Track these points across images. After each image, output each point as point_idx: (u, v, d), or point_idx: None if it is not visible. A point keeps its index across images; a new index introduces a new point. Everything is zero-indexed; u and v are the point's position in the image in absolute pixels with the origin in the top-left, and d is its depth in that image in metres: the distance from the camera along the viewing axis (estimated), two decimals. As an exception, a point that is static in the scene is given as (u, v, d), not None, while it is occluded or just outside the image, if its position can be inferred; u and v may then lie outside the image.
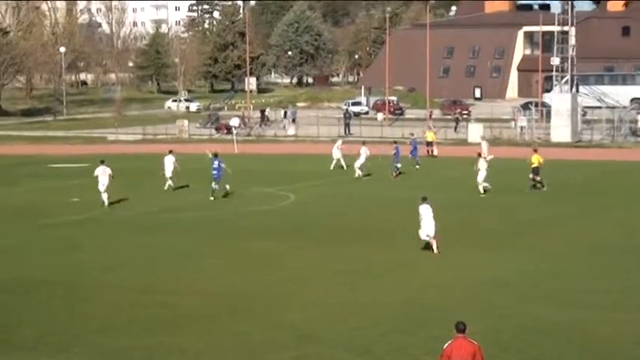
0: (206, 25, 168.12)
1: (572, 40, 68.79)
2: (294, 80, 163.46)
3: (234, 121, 75.30)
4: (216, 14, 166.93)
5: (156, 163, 47.89)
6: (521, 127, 70.74)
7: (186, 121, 79.03)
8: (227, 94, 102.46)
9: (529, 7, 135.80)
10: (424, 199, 28.08)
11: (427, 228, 27.66)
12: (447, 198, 39.48)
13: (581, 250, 28.66)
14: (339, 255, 28.07)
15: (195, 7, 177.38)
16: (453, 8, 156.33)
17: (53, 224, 34.22)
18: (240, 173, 48.76)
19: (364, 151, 47.04)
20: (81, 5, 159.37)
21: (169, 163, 42.67)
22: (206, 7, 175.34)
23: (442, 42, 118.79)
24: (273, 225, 33.75)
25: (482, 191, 40.63)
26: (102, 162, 38.99)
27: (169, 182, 42.69)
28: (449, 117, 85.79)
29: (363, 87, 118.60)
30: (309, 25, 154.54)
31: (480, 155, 41.66)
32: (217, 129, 78.17)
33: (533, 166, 41.76)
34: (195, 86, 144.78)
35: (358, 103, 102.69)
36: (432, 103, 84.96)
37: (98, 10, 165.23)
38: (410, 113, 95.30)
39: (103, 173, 38.41)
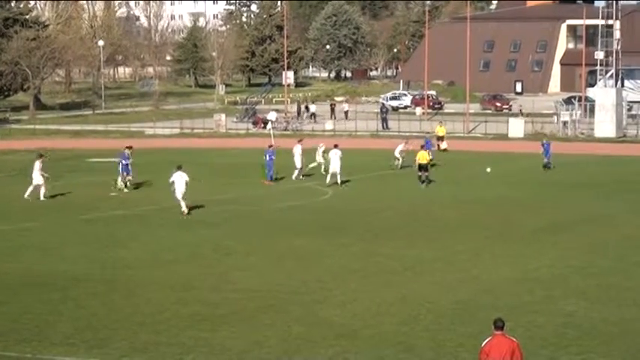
0: (244, 19, 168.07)
1: (617, 34, 67.72)
2: (332, 74, 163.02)
3: (272, 115, 75.00)
4: (253, 7, 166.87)
5: (192, 157, 47.55)
6: (564, 122, 69.68)
7: (223, 116, 78.97)
8: (264, 88, 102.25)
9: (572, 1, 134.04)
10: (179, 168, 34.12)
11: (179, 192, 33.70)
12: (482, 193, 39.27)
13: (616, 246, 28.35)
14: (377, 251, 27.88)
15: (232, 0, 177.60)
16: (494, 2, 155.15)
17: (92, 219, 34.17)
18: (277, 168, 48.36)
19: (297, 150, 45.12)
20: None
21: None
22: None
23: (482, 36, 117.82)
24: (311, 220, 33.47)
25: (335, 182, 41.50)
26: (40, 156, 39.22)
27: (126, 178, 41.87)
28: (489, 111, 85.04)
29: (401, 81, 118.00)
30: (347, 18, 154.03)
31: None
32: (254, 123, 78.01)
33: (420, 162, 41.77)
34: (233, 80, 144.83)
35: (397, 97, 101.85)
36: (471, 97, 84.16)
37: (136, 3, 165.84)
38: (449, 107, 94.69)
39: (36, 168, 38.67)
